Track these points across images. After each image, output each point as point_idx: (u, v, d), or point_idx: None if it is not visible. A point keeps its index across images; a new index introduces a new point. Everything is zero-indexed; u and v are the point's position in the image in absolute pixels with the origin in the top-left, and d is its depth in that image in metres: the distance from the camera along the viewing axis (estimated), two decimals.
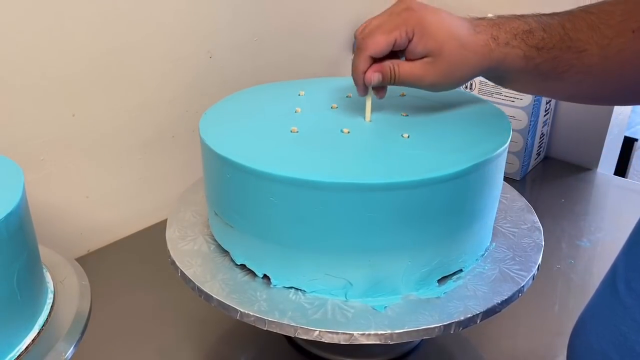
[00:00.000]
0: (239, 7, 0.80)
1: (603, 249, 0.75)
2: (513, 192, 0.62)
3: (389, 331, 0.43)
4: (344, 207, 0.43)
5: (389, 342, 0.43)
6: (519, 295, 0.48)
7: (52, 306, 0.46)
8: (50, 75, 0.64)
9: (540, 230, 0.56)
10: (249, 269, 0.49)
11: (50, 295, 0.47)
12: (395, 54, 0.49)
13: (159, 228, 0.56)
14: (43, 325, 0.44)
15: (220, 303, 0.46)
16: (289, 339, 0.59)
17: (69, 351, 0.43)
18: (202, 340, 0.61)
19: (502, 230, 0.56)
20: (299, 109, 0.55)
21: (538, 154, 0.96)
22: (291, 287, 0.47)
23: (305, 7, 0.90)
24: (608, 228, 0.80)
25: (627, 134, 1.04)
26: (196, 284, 0.48)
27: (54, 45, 0.63)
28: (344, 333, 0.43)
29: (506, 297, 0.46)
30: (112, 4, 0.66)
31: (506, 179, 0.56)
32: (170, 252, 0.52)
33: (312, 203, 0.44)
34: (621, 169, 1.04)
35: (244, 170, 0.45)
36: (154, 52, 0.72)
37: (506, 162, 0.52)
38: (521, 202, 0.60)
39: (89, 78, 0.67)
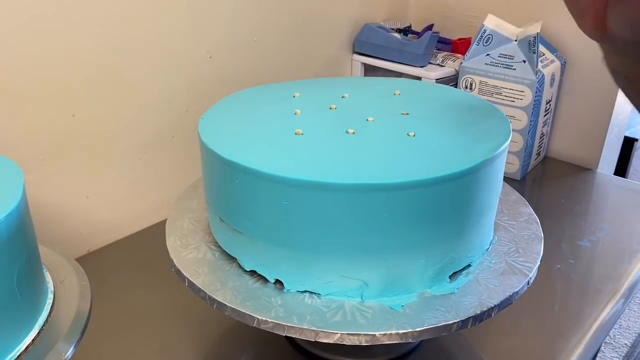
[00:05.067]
0: (238, 7, 0.80)
1: (603, 249, 0.75)
2: (505, 186, 0.62)
3: (411, 329, 0.43)
4: (360, 208, 0.43)
5: (410, 340, 0.43)
6: (527, 287, 0.49)
7: (52, 306, 0.46)
8: (50, 76, 0.64)
9: (537, 222, 0.56)
10: (259, 275, 0.49)
11: (50, 295, 0.47)
12: None
13: (159, 228, 0.56)
14: (43, 325, 0.44)
15: (234, 311, 0.45)
16: (290, 339, 0.59)
17: (69, 351, 0.43)
18: (202, 340, 0.61)
19: (502, 223, 0.56)
20: (298, 111, 0.54)
21: (538, 154, 0.96)
22: (305, 291, 0.47)
23: (305, 7, 0.90)
24: (608, 228, 0.80)
25: (627, 134, 1.04)
26: (207, 293, 0.47)
27: (54, 45, 0.63)
28: (365, 334, 0.43)
29: (518, 289, 0.47)
30: (112, 4, 0.66)
31: (506, 179, 0.56)
32: (174, 261, 0.51)
33: (328, 205, 0.43)
34: (621, 169, 1.05)
35: (256, 175, 0.44)
36: (154, 52, 0.72)
37: (506, 162, 0.53)
38: (515, 195, 0.61)
39: (88, 78, 0.67)
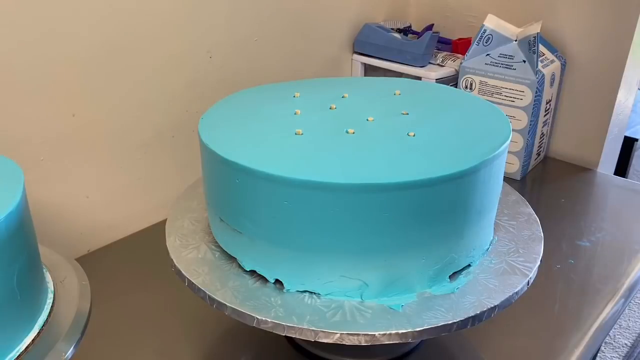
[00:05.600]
0: (238, 7, 0.80)
1: (603, 249, 0.75)
2: (505, 186, 0.62)
3: (410, 329, 0.43)
4: (361, 208, 0.43)
5: (410, 340, 0.43)
6: (527, 287, 0.49)
7: (52, 306, 0.46)
8: (50, 75, 0.64)
9: (537, 222, 0.56)
10: (259, 275, 0.49)
11: (50, 295, 0.47)
12: None
13: (159, 228, 0.56)
14: (43, 325, 0.44)
15: (234, 311, 0.45)
16: (289, 339, 0.59)
17: (69, 351, 0.43)
18: (202, 340, 0.61)
19: (502, 223, 0.56)
20: (298, 111, 0.54)
21: (538, 154, 0.96)
22: (305, 291, 0.47)
23: (305, 7, 0.90)
24: (608, 228, 0.80)
25: (627, 134, 1.04)
26: (207, 292, 0.47)
27: (54, 45, 0.63)
28: (365, 334, 0.43)
29: (518, 289, 0.47)
30: (112, 4, 0.66)
31: (506, 179, 0.56)
32: (174, 261, 0.51)
33: (329, 205, 0.43)
34: (621, 169, 1.05)
35: (257, 175, 0.44)
36: (154, 52, 0.72)
37: (506, 162, 0.53)
38: (515, 195, 0.61)
39: (89, 78, 0.67)
